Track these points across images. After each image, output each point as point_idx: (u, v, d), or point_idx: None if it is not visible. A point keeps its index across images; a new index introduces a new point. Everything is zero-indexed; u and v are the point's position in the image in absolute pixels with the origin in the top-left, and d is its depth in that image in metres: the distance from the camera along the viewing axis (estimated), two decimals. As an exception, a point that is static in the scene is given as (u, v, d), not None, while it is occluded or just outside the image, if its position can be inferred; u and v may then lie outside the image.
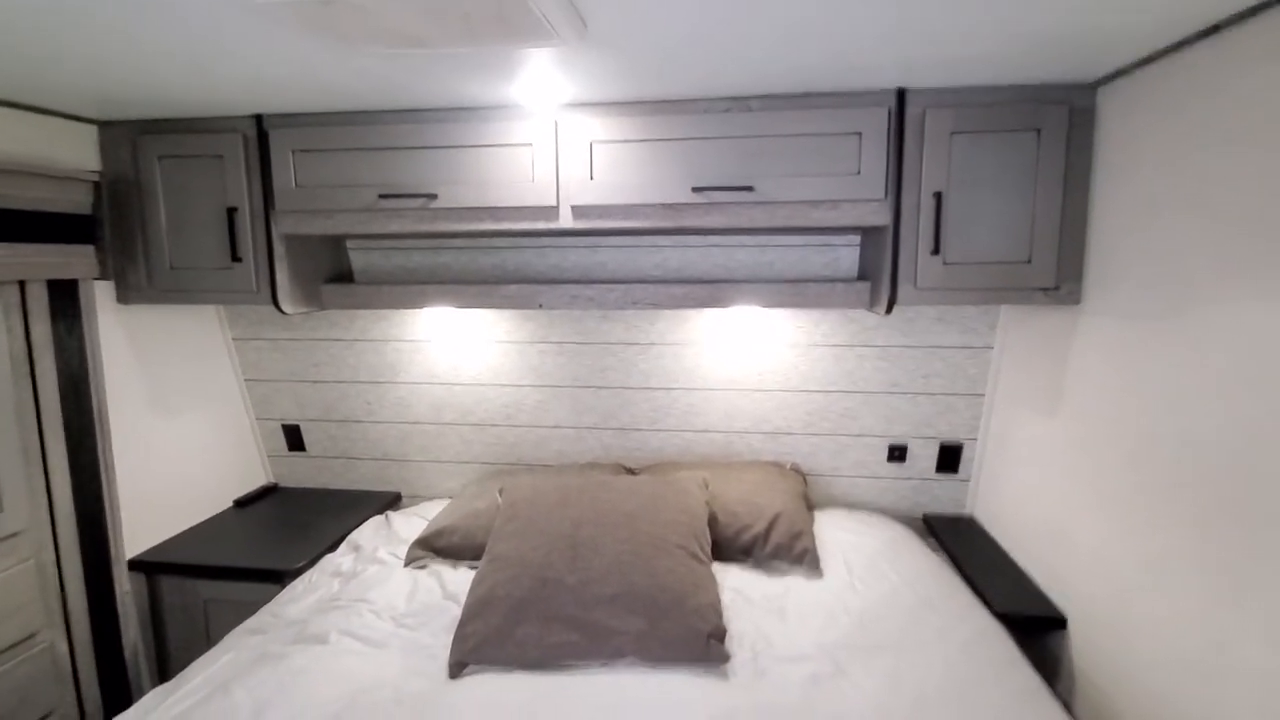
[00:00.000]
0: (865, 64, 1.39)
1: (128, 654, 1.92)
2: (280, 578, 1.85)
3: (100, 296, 1.88)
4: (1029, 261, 1.59)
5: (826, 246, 2.02)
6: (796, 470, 2.17)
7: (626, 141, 1.66)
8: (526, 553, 1.57)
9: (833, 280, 1.99)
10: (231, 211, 1.81)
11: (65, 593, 1.82)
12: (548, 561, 1.54)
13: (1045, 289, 1.60)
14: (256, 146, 1.80)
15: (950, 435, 2.13)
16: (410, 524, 2.07)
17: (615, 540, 1.58)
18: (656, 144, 1.65)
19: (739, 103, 1.63)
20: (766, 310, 2.10)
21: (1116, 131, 1.48)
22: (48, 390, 1.77)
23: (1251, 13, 1.09)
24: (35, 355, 1.74)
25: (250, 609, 1.68)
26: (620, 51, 1.29)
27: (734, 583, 1.72)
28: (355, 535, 2.03)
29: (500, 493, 1.87)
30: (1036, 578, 1.76)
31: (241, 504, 2.34)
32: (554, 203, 1.71)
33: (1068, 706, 1.37)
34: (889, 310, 1.67)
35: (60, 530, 1.80)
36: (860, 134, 1.58)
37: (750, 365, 2.17)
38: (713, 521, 1.82)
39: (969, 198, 1.58)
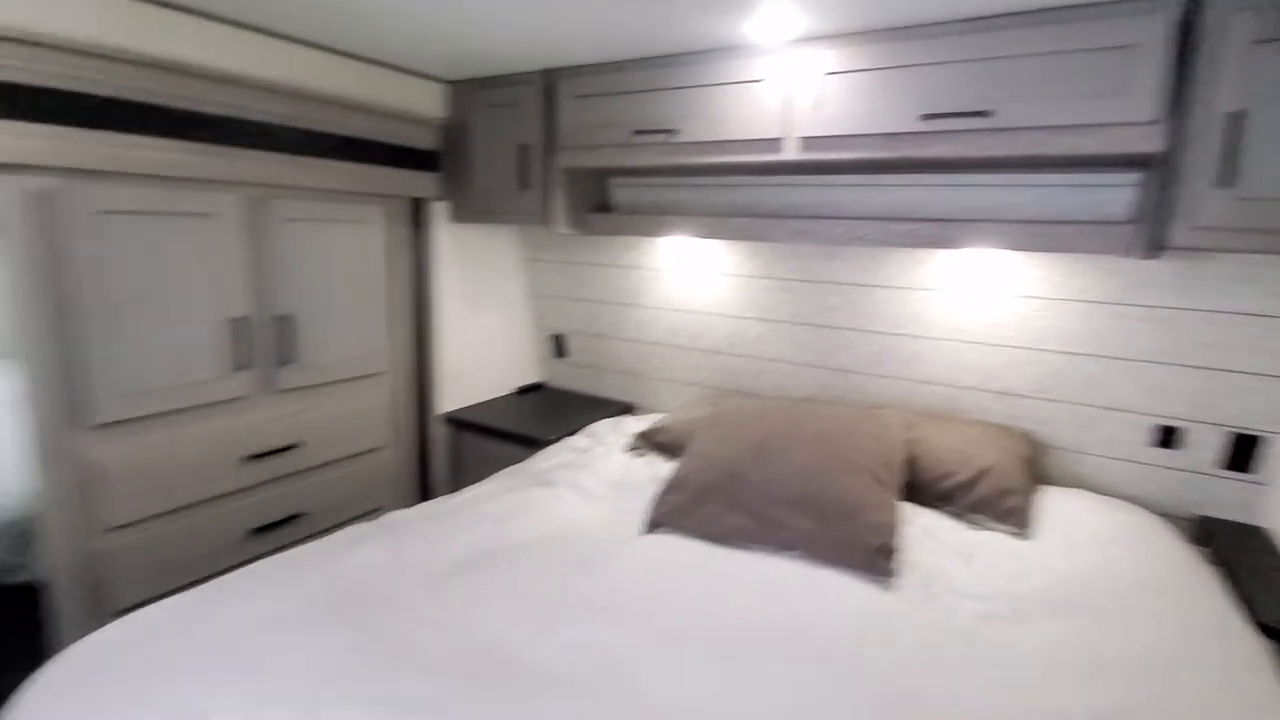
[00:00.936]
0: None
1: (434, 477, 2.61)
2: (535, 444, 2.32)
3: (439, 214, 2.51)
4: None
5: (1085, 187, 1.79)
6: (1028, 437, 2.00)
7: (855, 71, 1.69)
8: (720, 451, 1.76)
9: (1092, 223, 1.77)
10: (523, 148, 2.27)
11: (399, 425, 2.52)
12: (737, 459, 1.71)
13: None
14: (544, 94, 2.22)
15: (1244, 423, 1.76)
16: (637, 426, 2.41)
17: (802, 452, 1.69)
18: (885, 73, 1.65)
19: (978, 23, 1.54)
20: (1007, 256, 1.94)
21: None
22: (402, 277, 2.46)
23: None
24: (395, 252, 2.42)
25: (511, 461, 2.17)
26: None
27: (925, 523, 1.69)
28: (593, 426, 2.43)
29: (711, 407, 2.08)
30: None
31: (520, 392, 2.94)
32: (782, 135, 1.82)
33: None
34: (1156, 254, 1.46)
35: (403, 379, 2.50)
36: (1130, 47, 1.39)
37: (980, 316, 2.03)
38: (914, 463, 1.80)
39: (1274, 120, 1.30)
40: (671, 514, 1.64)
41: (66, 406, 1.64)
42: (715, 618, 1.29)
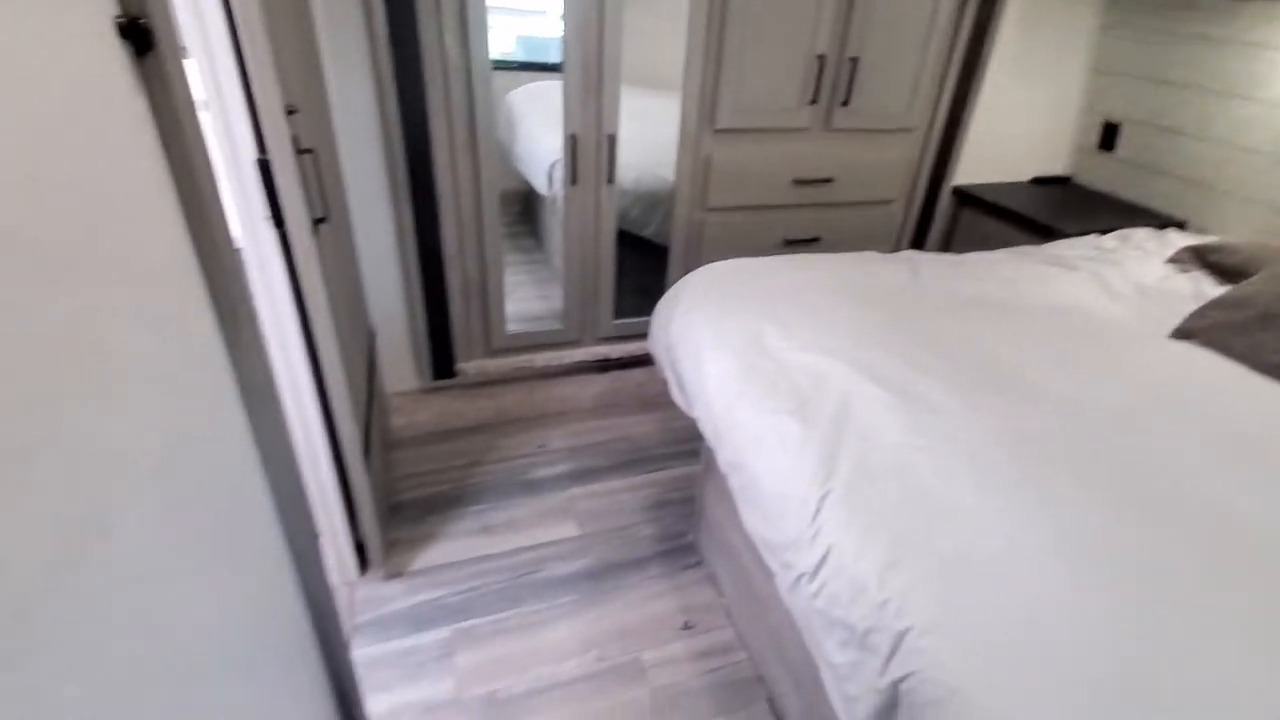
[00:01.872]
0: None
1: (927, 244, 2.77)
2: (1049, 235, 2.26)
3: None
4: None
5: None
6: None
7: None
8: (1317, 281, 1.49)
9: None
10: None
11: (916, 184, 2.67)
12: (1340, 294, 1.44)
13: None
14: None
15: None
16: (1183, 241, 2.10)
17: None
18: None
19: None
20: None
21: None
22: (960, 35, 2.41)
23: None
24: (958, 7, 2.35)
25: (1010, 244, 2.15)
26: None
27: None
28: (1129, 230, 2.20)
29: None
30: None
31: (1034, 182, 2.76)
32: None
33: None
34: None
35: (931, 142, 2.58)
36: None
37: None
38: None
39: None
40: (1215, 328, 1.52)
41: (704, 114, 2.24)
42: (1255, 439, 1.22)
